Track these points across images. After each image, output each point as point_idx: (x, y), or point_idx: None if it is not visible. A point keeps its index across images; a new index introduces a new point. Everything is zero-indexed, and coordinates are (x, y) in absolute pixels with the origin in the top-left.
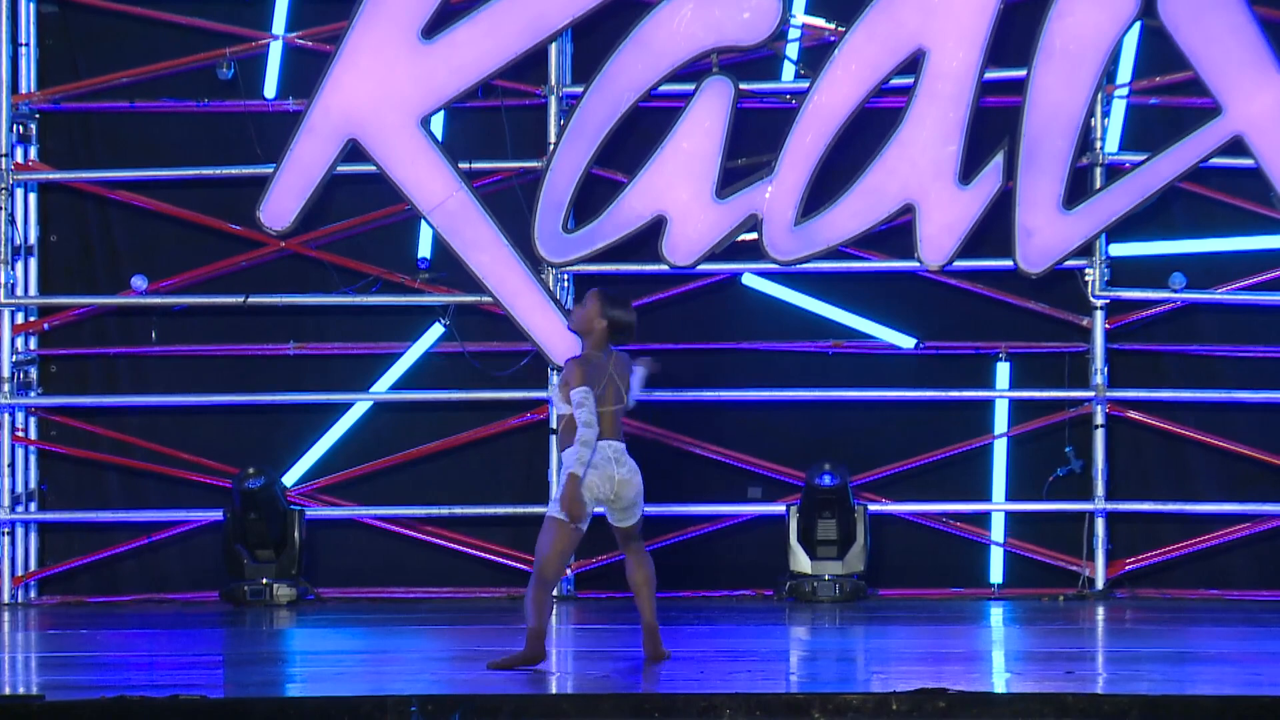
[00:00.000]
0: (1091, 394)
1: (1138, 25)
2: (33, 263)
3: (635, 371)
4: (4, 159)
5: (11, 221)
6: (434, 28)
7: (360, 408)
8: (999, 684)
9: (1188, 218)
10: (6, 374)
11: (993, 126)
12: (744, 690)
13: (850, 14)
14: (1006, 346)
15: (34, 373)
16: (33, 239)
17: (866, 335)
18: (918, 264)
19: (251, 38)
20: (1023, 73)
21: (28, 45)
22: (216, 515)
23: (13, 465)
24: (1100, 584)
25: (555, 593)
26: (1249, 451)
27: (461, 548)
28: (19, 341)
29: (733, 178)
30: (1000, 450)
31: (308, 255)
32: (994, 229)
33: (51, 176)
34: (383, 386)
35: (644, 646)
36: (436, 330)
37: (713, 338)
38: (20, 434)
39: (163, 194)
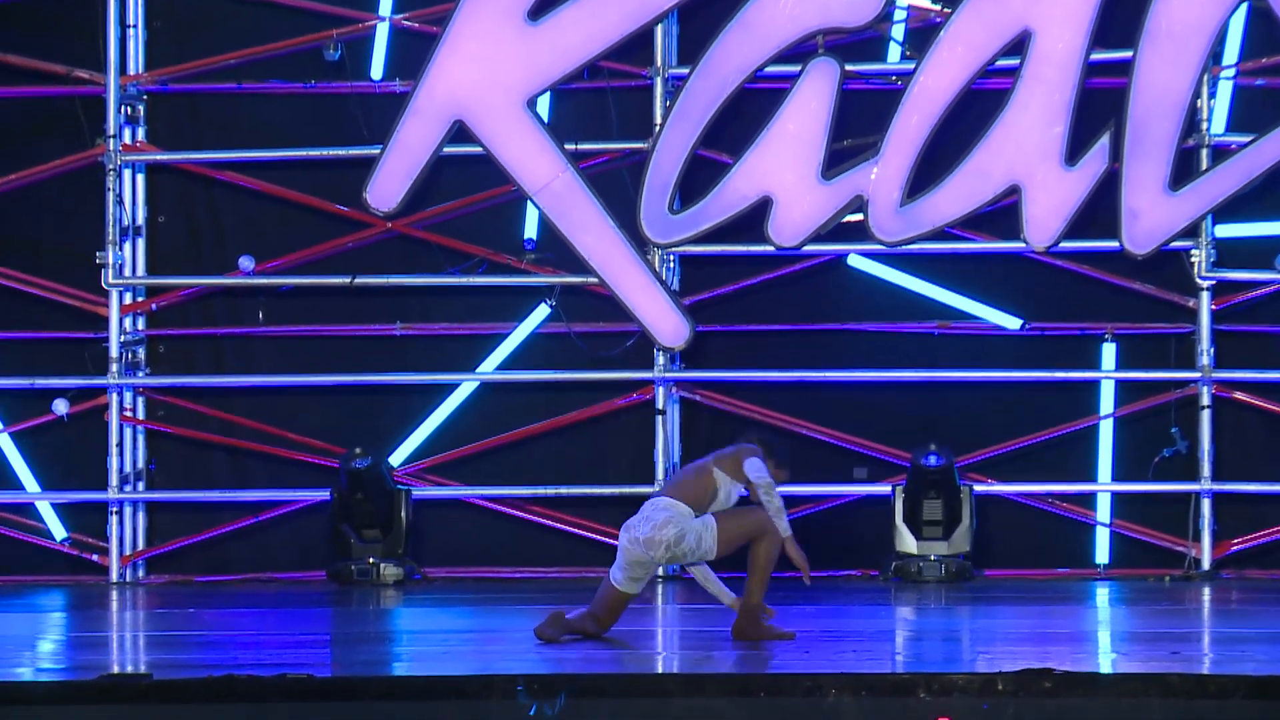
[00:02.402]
0: (1198, 375)
1: (1244, 6)
2: (140, 243)
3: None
4: (112, 140)
5: (120, 202)
6: (540, 9)
7: (466, 388)
8: (1105, 664)
9: None
10: (115, 354)
11: (1098, 108)
12: (850, 670)
13: None
14: (1112, 327)
15: (142, 353)
16: (140, 220)
17: (972, 316)
18: (1023, 245)
19: (358, 19)
20: (1128, 54)
21: (135, 27)
22: (323, 495)
23: (121, 445)
24: (1206, 565)
25: (661, 573)
26: None
27: (567, 528)
28: (127, 322)
29: (838, 159)
30: (1106, 431)
31: (414, 236)
32: (1100, 210)
33: (159, 158)
34: (489, 367)
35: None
36: (542, 311)
37: (818, 319)
38: (129, 414)
39: (269, 175)
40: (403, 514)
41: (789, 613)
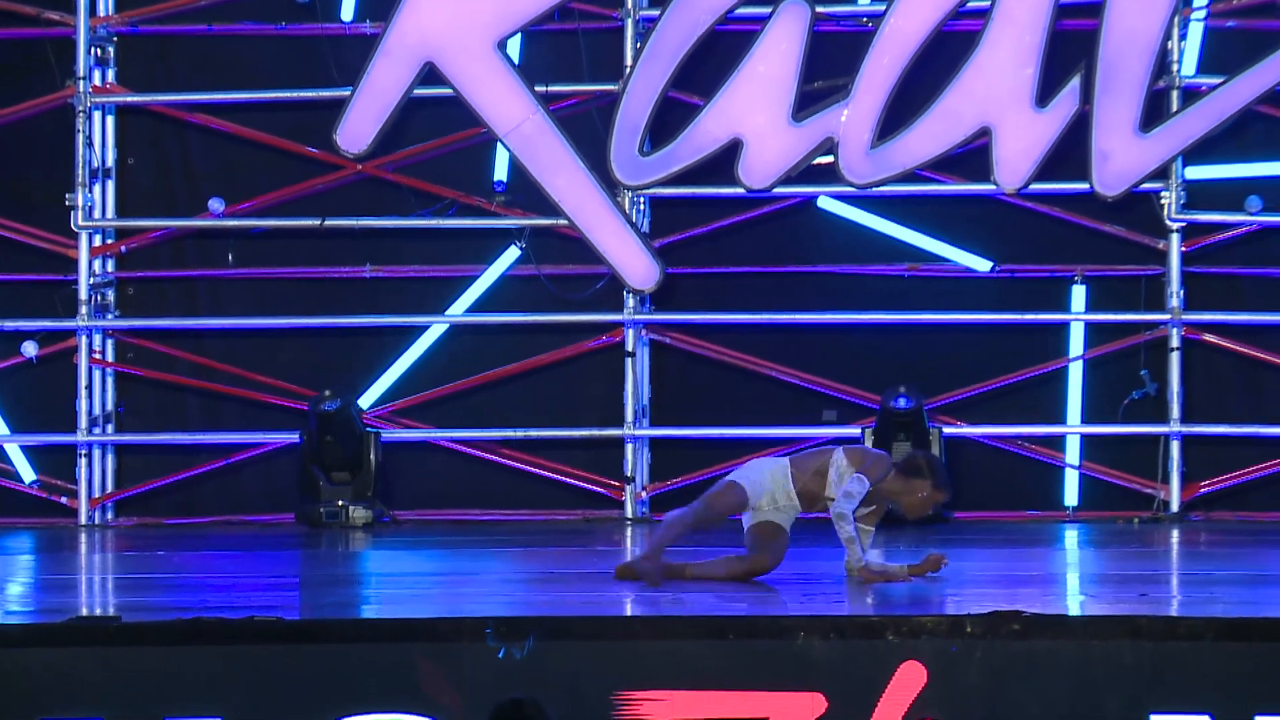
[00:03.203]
0: (1167, 317)
1: None
2: (110, 185)
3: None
4: (82, 82)
5: (89, 144)
6: None
7: (436, 330)
8: (1073, 607)
9: (1265, 141)
10: (84, 296)
11: (1069, 50)
12: (819, 613)
13: None
14: (1082, 269)
15: (111, 295)
16: (110, 162)
17: (942, 258)
18: (994, 187)
19: None
20: None
21: None
22: (293, 437)
23: (90, 387)
24: (1175, 507)
25: (631, 515)
26: None
27: (538, 470)
28: (96, 264)
29: (809, 101)
30: (1076, 373)
31: (384, 178)
32: (1070, 152)
33: (129, 99)
34: (459, 309)
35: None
36: (512, 253)
37: (788, 261)
38: (98, 356)
39: (240, 117)
40: (372, 456)
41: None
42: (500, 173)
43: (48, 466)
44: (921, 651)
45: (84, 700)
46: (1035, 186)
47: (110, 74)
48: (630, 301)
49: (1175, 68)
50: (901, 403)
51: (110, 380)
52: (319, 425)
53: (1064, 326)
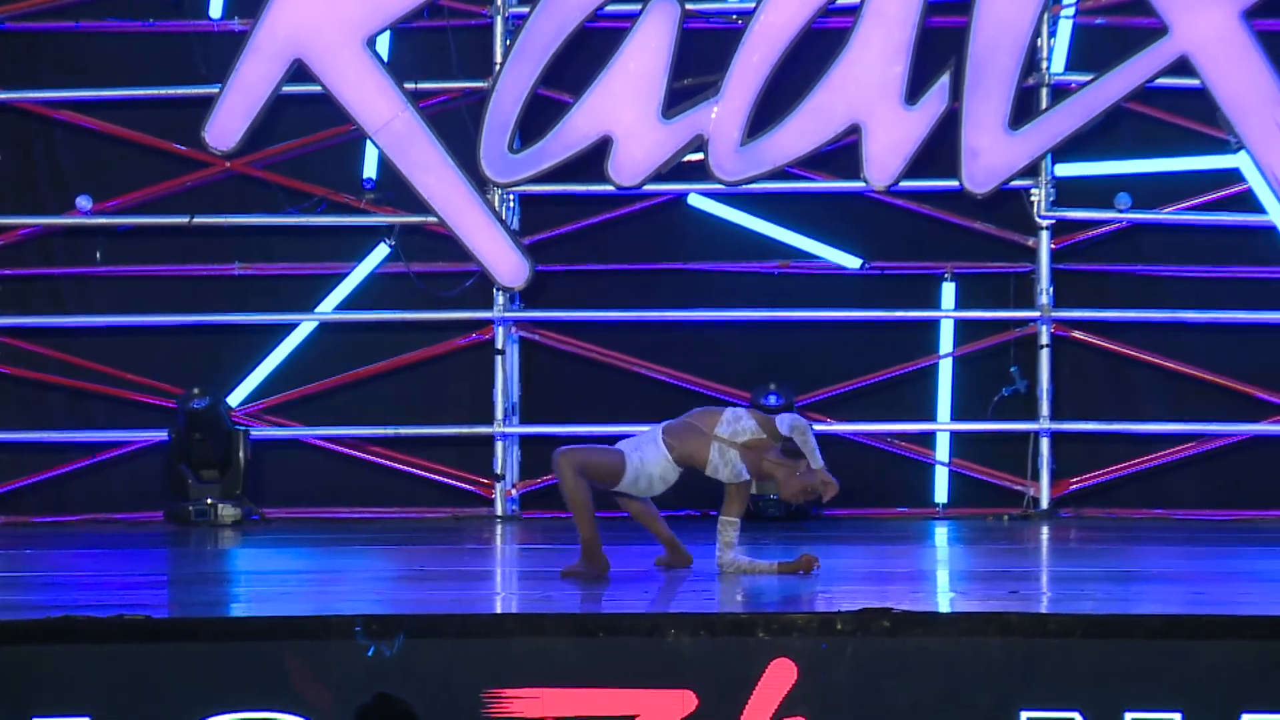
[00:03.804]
0: (1036, 314)
1: None
2: None
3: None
4: None
5: None
6: None
7: (305, 328)
8: (943, 603)
9: (1134, 138)
10: None
11: (939, 47)
12: (689, 610)
13: None
14: (952, 266)
15: None
16: None
17: (812, 255)
18: (864, 184)
19: None
20: None
21: None
22: (162, 435)
23: None
24: (1045, 504)
25: (501, 512)
26: (1194, 371)
27: (407, 468)
28: None
29: (679, 98)
30: (945, 370)
31: (253, 175)
32: (940, 149)
33: None
34: (328, 307)
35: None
36: (382, 250)
37: (658, 258)
38: None
39: (108, 114)
40: (240, 454)
41: (628, 552)
42: (370, 170)
43: None
44: (792, 649)
45: None
46: (905, 184)
47: None
48: (500, 299)
49: (1045, 65)
50: (772, 400)
51: None
52: (188, 423)
53: (934, 324)
